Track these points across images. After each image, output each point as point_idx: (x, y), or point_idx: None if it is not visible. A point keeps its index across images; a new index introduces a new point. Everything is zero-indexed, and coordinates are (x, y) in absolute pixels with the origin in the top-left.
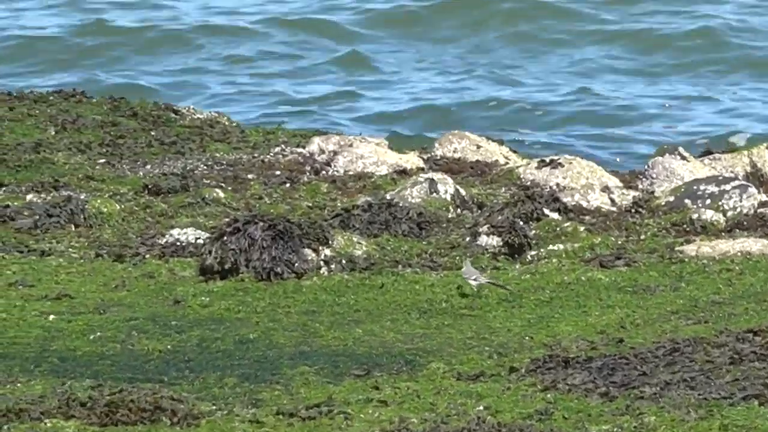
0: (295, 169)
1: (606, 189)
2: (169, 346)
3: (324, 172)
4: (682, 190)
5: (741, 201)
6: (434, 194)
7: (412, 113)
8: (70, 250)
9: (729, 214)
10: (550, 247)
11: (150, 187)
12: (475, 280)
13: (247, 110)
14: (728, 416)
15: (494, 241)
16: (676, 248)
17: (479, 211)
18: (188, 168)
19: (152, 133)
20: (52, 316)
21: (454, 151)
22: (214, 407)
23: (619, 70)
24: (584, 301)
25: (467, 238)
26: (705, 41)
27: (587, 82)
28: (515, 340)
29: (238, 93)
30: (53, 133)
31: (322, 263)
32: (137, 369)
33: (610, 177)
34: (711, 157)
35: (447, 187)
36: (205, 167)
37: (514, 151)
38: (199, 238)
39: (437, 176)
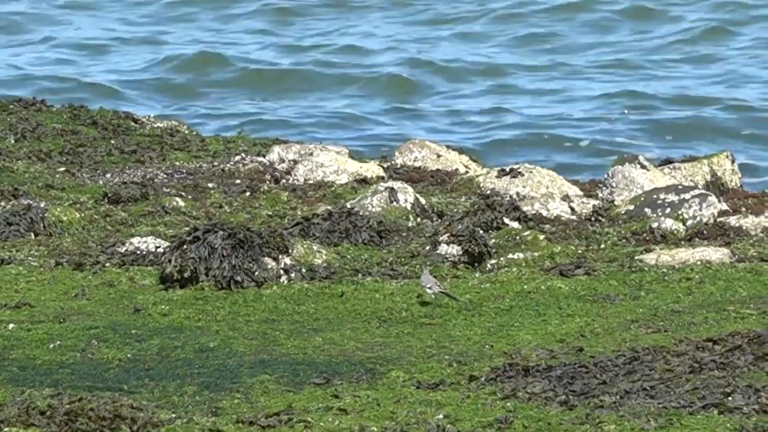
0: (256, 178)
1: (566, 198)
2: (129, 355)
3: (284, 180)
4: (642, 199)
5: (701, 210)
6: (394, 203)
7: None
8: (30, 258)
9: (689, 222)
10: (510, 255)
11: (110, 195)
12: (430, 288)
13: None
14: (688, 425)
15: (454, 250)
16: (636, 257)
17: (439, 220)
18: (148, 177)
19: (112, 141)
20: (11, 325)
21: (414, 160)
22: (173, 415)
23: None
24: (544, 309)
25: (427, 247)
26: None
27: None
28: (475, 349)
29: None
30: (13, 141)
31: (282, 272)
32: (97, 377)
33: (570, 186)
34: (671, 166)
35: (407, 195)
36: (165, 176)
37: (474, 161)
38: (159, 246)
39: (397, 185)
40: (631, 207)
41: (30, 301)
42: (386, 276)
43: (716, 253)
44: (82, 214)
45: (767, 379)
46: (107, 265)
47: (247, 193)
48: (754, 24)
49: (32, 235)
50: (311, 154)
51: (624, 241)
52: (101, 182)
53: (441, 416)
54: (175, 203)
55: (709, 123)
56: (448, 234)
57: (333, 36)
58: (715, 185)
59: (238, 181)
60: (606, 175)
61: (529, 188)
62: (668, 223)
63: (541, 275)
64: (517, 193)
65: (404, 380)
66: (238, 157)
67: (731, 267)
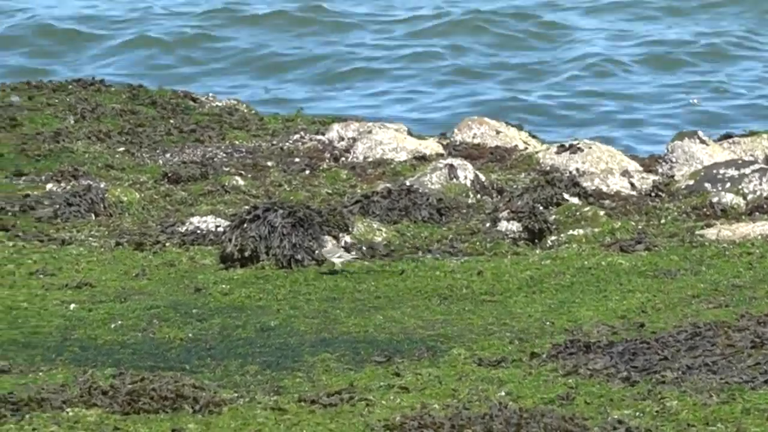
0: (315, 156)
1: (626, 173)
2: (190, 334)
3: (343, 158)
4: (702, 174)
5: (761, 184)
6: (454, 180)
7: None
8: (91, 239)
9: (749, 197)
10: (570, 232)
11: (170, 175)
12: (339, 258)
13: None
14: (750, 400)
15: (514, 226)
16: (697, 232)
17: (499, 197)
18: (208, 156)
19: (171, 121)
20: (73, 305)
21: (473, 137)
22: (235, 395)
23: None
24: (605, 285)
25: (487, 224)
26: None
27: None
28: (536, 326)
29: None
30: (72, 122)
31: (342, 250)
32: (159, 357)
33: (629, 161)
34: (730, 140)
35: (467, 172)
36: (224, 155)
37: (534, 137)
38: (219, 225)
39: (457, 162)
40: (691, 182)
41: (91, 282)
42: (446, 253)
43: None
44: (142, 194)
45: None
46: (167, 244)
47: (307, 172)
48: None
49: (92, 215)
50: (370, 132)
51: (684, 216)
52: (161, 162)
53: (503, 393)
54: (234, 182)
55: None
56: (508, 210)
57: None
58: None
59: (297, 160)
60: (665, 150)
61: (588, 164)
62: (728, 198)
63: (602, 251)
64: (577, 169)
65: (465, 358)
66: (297, 136)
67: None
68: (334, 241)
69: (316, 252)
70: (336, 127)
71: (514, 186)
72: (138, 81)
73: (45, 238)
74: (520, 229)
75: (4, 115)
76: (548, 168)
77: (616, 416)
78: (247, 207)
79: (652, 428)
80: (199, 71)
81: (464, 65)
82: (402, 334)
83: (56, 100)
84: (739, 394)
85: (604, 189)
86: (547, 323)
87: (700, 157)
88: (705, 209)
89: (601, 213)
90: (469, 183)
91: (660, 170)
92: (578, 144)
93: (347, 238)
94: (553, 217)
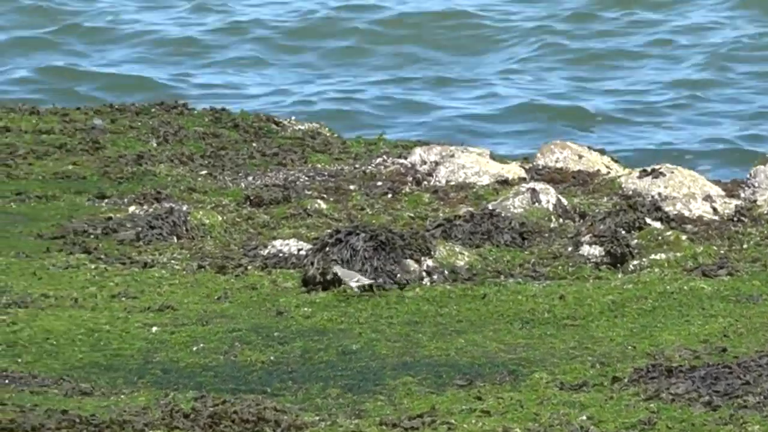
0: (397, 180)
1: (708, 198)
2: (272, 357)
3: (426, 182)
4: None
5: None
6: (536, 204)
7: None
8: (173, 261)
9: None
10: (653, 256)
11: (252, 198)
12: (357, 281)
13: None
14: None
15: (596, 250)
16: None
17: (581, 221)
18: (290, 179)
19: (254, 144)
20: (155, 328)
21: (555, 161)
22: (317, 418)
23: None
24: (687, 310)
25: (569, 248)
26: None
27: None
28: (618, 350)
29: None
30: (155, 144)
31: (424, 274)
32: (240, 380)
33: (711, 186)
34: None
35: (549, 196)
36: (306, 178)
37: (616, 161)
38: (301, 249)
39: (539, 186)
40: None
41: (173, 304)
42: (528, 277)
43: None
44: (224, 217)
45: None
46: (249, 267)
47: (389, 195)
48: None
49: (175, 238)
50: (453, 156)
51: (767, 241)
52: (243, 185)
53: (584, 417)
54: (316, 205)
55: None
56: (590, 235)
57: None
58: None
59: (379, 183)
60: (748, 175)
61: (670, 188)
62: None
63: (684, 276)
64: (659, 194)
65: (547, 381)
66: (379, 159)
67: None
68: (416, 265)
69: (398, 276)
70: (418, 150)
71: (597, 210)
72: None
73: (127, 261)
74: (603, 253)
75: (86, 138)
76: (630, 192)
77: None
78: (329, 230)
79: None
80: None
81: None
82: (484, 357)
83: (139, 123)
84: None
85: (686, 213)
86: (629, 347)
87: None
88: None
89: (683, 237)
90: (551, 207)
91: (742, 195)
92: (660, 168)
93: (429, 262)
94: (635, 241)
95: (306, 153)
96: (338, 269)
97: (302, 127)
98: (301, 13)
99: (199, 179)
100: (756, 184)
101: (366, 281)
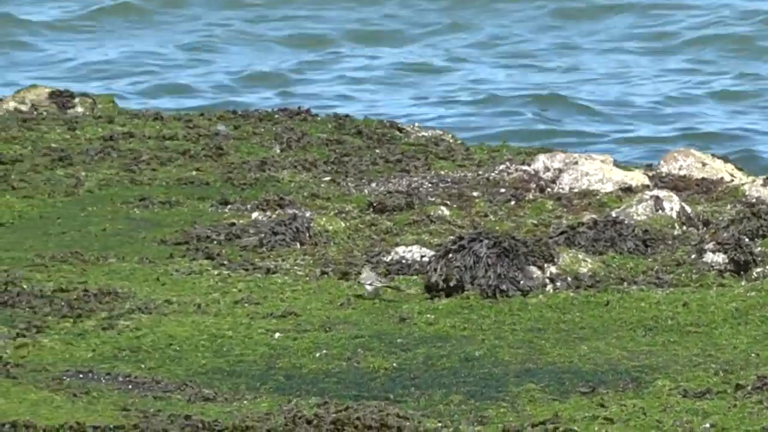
0: (520, 187)
1: None
2: (394, 364)
3: (549, 189)
4: None
5: None
6: (659, 211)
7: None
8: (296, 267)
9: None
10: None
11: (375, 204)
12: (371, 284)
13: None
14: None
15: (720, 258)
16: None
17: (704, 229)
18: (413, 185)
19: (377, 150)
20: (277, 334)
21: (679, 169)
22: (440, 424)
23: None
24: None
25: (693, 255)
26: None
27: None
28: (741, 357)
29: None
30: (278, 151)
31: (547, 281)
32: (363, 386)
33: None
34: None
35: (672, 204)
36: (429, 185)
37: (740, 169)
38: (424, 255)
39: (662, 193)
40: None
41: (296, 310)
42: (652, 284)
43: None
44: (347, 224)
45: None
46: None
47: (512, 202)
48: None
49: (298, 244)
50: (576, 163)
51: None
52: (366, 191)
53: (707, 425)
54: (440, 212)
55: None
56: (713, 242)
57: None
58: None
59: (502, 190)
60: None
61: None
62: None
63: None
64: None
65: (670, 389)
66: (502, 166)
67: None
68: (539, 272)
69: (521, 282)
70: (542, 157)
71: (720, 218)
72: None
73: (250, 267)
74: (726, 260)
75: (210, 144)
76: (754, 200)
77: None
78: (452, 237)
79: None
80: None
81: None
82: (607, 364)
83: (262, 129)
84: None
85: None
86: (753, 355)
87: None
88: None
89: None
90: (674, 215)
91: None
92: None
93: (552, 269)
94: (759, 248)
95: (429, 160)
96: (364, 271)
97: (425, 134)
98: None
99: (323, 185)
100: None
101: (379, 284)
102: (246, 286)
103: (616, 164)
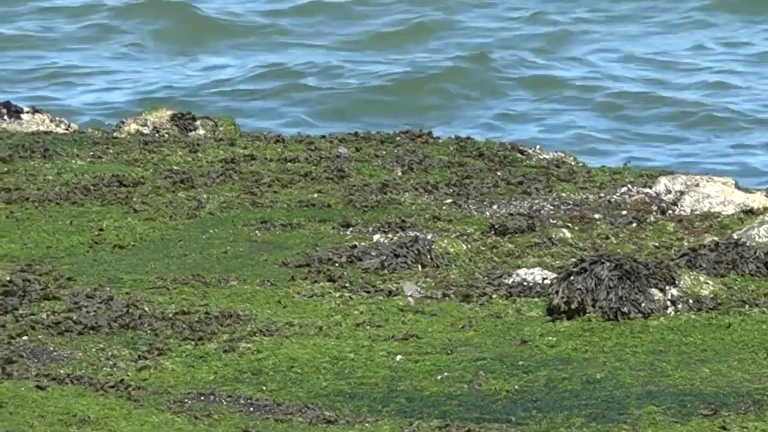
0: (642, 209)
1: None
2: (516, 386)
3: (670, 211)
4: None
5: None
6: None
7: None
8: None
9: None
10: None
11: (497, 227)
12: (411, 296)
13: None
14: None
15: None
16: None
17: None
18: (534, 208)
19: (498, 173)
20: (399, 357)
21: None
22: None
23: None
24: None
25: None
26: None
27: None
28: None
29: None
30: (400, 173)
31: (668, 303)
32: (484, 409)
33: None
34: None
35: None
36: (551, 207)
37: None
38: (546, 278)
39: None
40: None
41: (417, 333)
42: None
43: None
44: (469, 246)
45: None
46: (494, 296)
47: (634, 224)
48: None
49: (419, 266)
50: (697, 185)
51: None
52: (488, 213)
53: None
54: (561, 234)
55: None
56: None
57: None
58: None
59: (624, 212)
60: None
61: None
62: None
63: None
64: None
65: None
66: (624, 189)
67: None
68: (660, 294)
69: (643, 305)
70: (663, 180)
71: None
72: None
73: (371, 289)
74: None
75: (332, 166)
76: None
77: None
78: (573, 259)
79: None
80: None
81: None
82: (728, 387)
83: (384, 152)
84: None
85: None
86: None
87: None
88: None
89: None
90: None
91: None
92: None
93: (674, 291)
94: None
95: (551, 182)
96: (406, 285)
97: (547, 156)
98: None
99: (444, 208)
100: None
101: (419, 295)
102: (368, 309)
103: (738, 186)
